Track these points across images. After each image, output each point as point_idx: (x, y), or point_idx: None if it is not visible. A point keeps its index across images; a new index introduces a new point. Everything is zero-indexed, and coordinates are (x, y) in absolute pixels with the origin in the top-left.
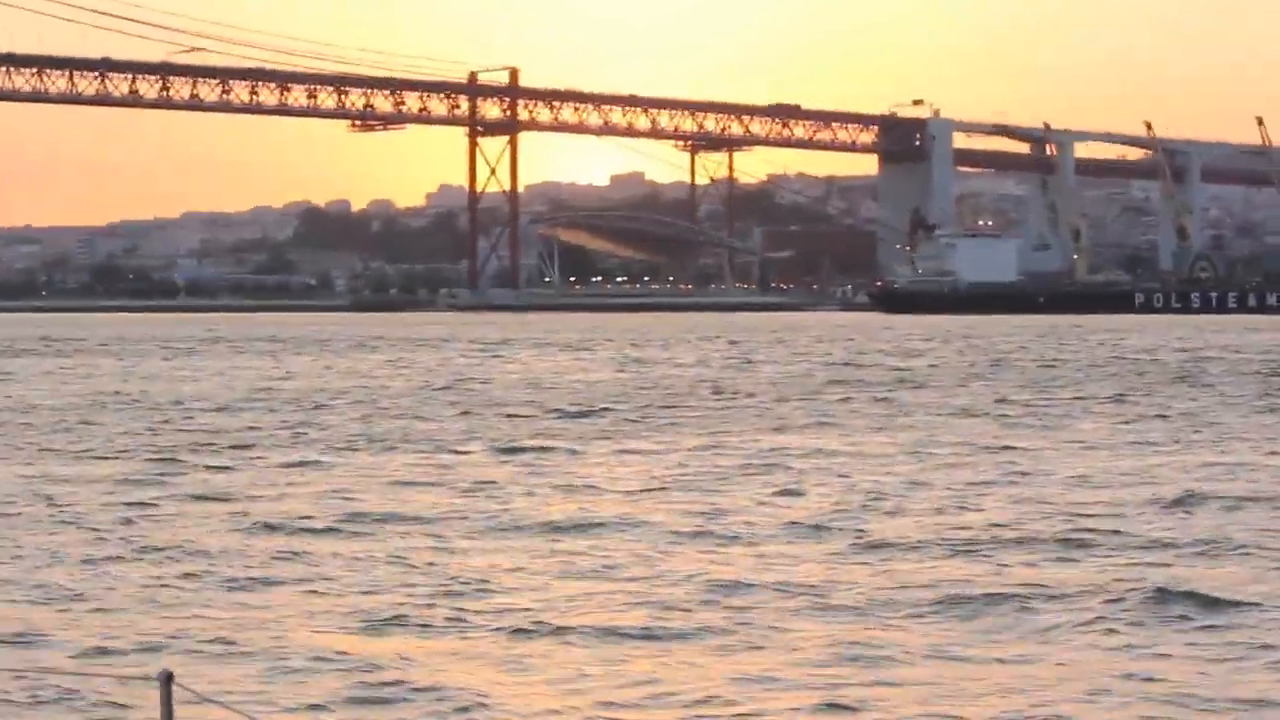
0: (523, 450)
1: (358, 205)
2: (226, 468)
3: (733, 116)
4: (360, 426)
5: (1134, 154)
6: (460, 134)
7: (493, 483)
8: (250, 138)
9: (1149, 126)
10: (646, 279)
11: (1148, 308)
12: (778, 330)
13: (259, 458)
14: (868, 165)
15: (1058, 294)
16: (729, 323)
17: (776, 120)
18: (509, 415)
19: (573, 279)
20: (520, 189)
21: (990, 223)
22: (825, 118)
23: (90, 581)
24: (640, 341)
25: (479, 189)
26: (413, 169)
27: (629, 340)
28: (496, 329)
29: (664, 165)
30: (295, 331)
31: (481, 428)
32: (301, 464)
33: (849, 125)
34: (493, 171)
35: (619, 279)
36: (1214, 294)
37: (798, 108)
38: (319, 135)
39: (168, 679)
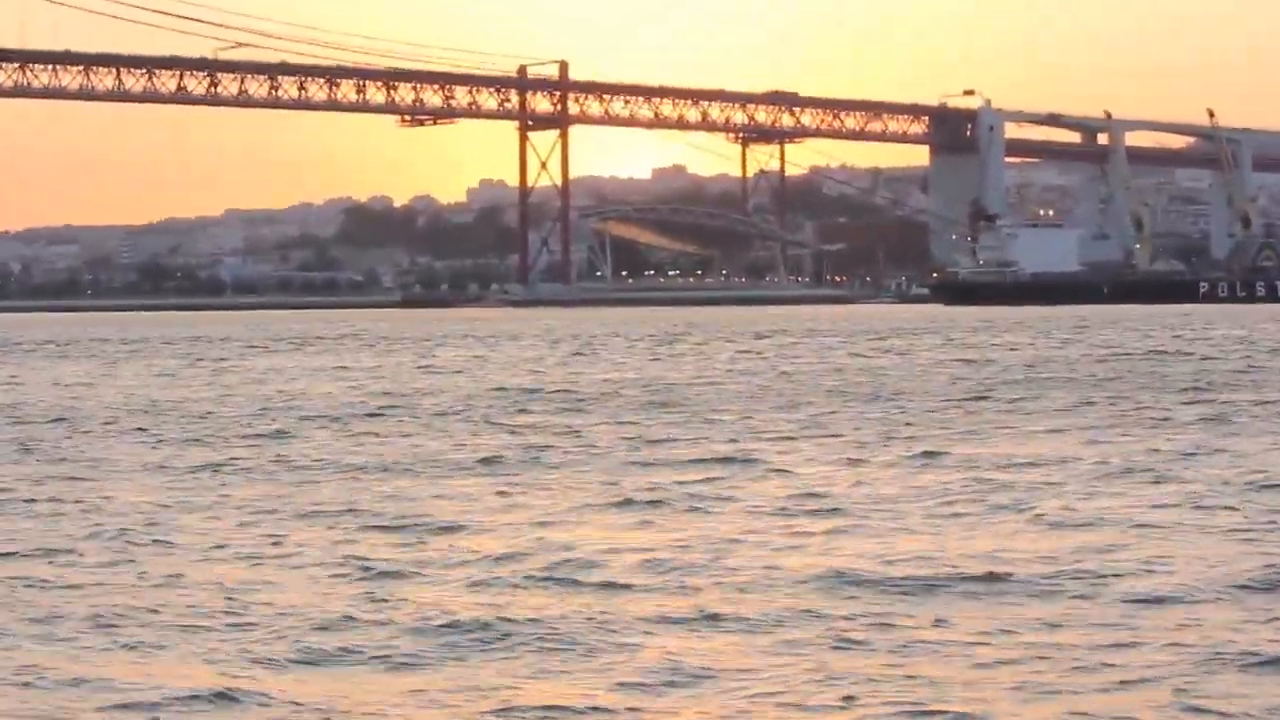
0: None
1: (399, 201)
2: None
3: (783, 108)
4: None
5: (1177, 142)
6: (502, 128)
7: None
8: (288, 135)
9: (1211, 114)
10: (699, 272)
11: (1212, 297)
12: (903, 326)
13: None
14: (913, 156)
15: (1121, 284)
16: (814, 315)
17: (827, 112)
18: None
19: (624, 273)
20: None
21: (1051, 212)
22: (876, 108)
23: None
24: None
25: (531, 184)
26: (454, 164)
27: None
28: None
29: (708, 158)
30: (391, 329)
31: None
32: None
33: (900, 116)
34: (543, 166)
35: (671, 272)
36: (1279, 282)
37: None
38: (359, 131)
39: None
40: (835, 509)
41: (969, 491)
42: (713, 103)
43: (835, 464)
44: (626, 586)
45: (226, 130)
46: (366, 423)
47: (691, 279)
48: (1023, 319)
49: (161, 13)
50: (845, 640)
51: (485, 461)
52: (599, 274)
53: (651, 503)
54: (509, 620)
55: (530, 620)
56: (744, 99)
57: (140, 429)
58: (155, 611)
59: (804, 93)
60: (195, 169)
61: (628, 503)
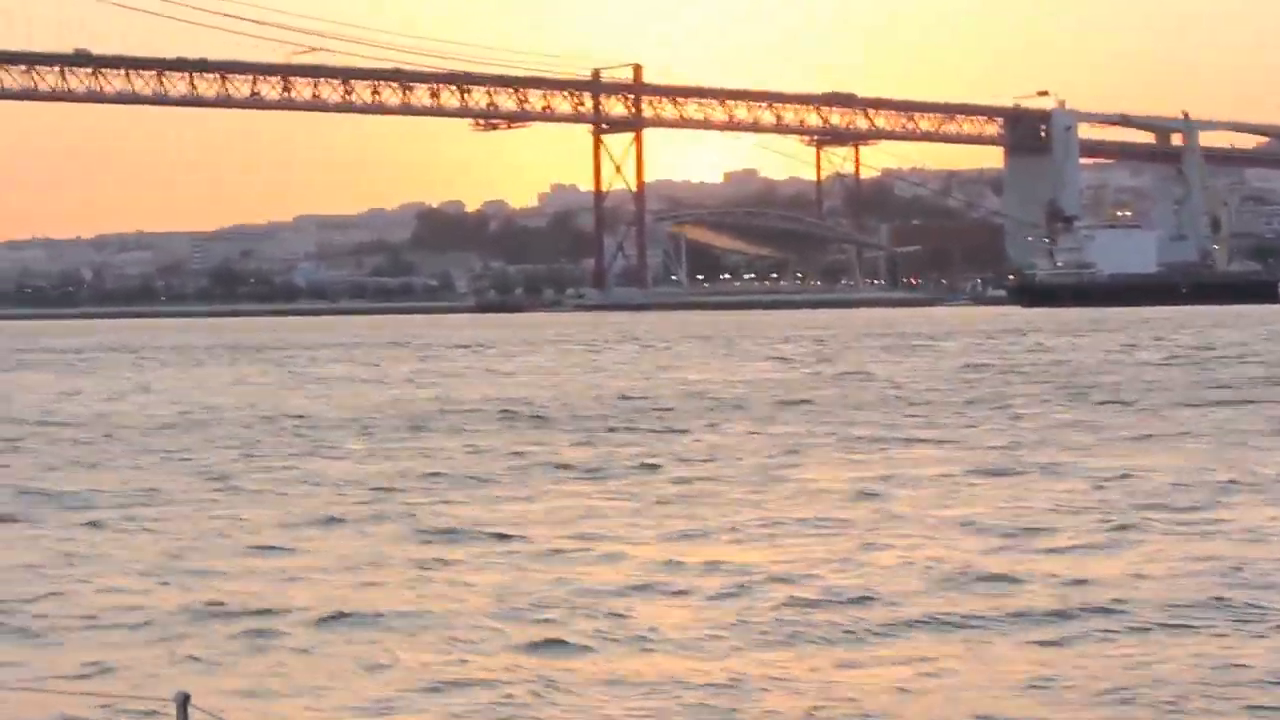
0: None
1: (471, 206)
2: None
3: (857, 110)
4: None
5: (1248, 142)
6: (572, 132)
7: None
8: (356, 139)
9: None
10: (774, 276)
11: None
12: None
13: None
14: (984, 158)
15: (1199, 284)
16: (890, 319)
17: (902, 114)
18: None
19: (700, 276)
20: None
21: (1129, 214)
22: (950, 110)
23: None
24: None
25: (605, 187)
26: (525, 169)
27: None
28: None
29: (779, 161)
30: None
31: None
32: None
33: (974, 117)
34: (618, 169)
35: (746, 276)
36: None
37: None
38: (429, 136)
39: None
40: None
41: None
42: (787, 105)
43: None
44: None
45: (296, 134)
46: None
47: (767, 282)
48: (1122, 320)
49: (236, 17)
50: None
51: None
52: (674, 278)
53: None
54: None
55: None
56: (819, 101)
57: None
58: None
59: (877, 94)
60: (265, 174)
61: None
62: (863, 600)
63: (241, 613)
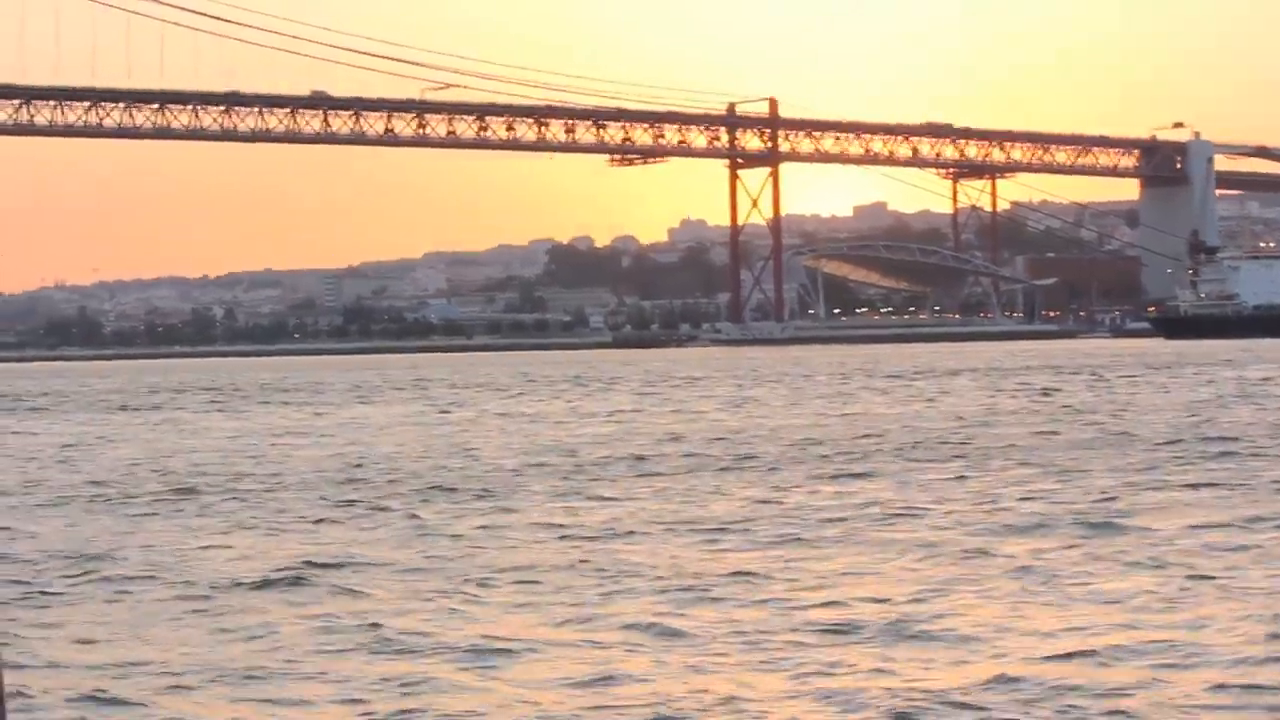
0: None
1: (600, 241)
2: None
3: (994, 143)
4: None
5: None
6: (701, 167)
7: None
8: (482, 175)
9: None
10: (913, 309)
11: None
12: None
13: None
14: (1114, 190)
15: None
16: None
17: (1038, 146)
18: None
19: (837, 310)
20: (771, 221)
21: (1273, 244)
22: (1086, 142)
23: None
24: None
25: (739, 221)
26: (652, 203)
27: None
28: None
29: (908, 194)
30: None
31: None
32: None
33: (1110, 150)
34: (754, 203)
35: (884, 309)
36: None
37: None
38: (555, 172)
39: None
40: None
41: None
42: (923, 138)
43: None
44: None
45: (422, 171)
46: None
47: (905, 316)
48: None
49: (369, 54)
50: None
51: None
52: (811, 312)
53: None
54: None
55: None
56: (955, 134)
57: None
58: None
59: (1010, 127)
60: (392, 211)
61: None
62: None
63: None
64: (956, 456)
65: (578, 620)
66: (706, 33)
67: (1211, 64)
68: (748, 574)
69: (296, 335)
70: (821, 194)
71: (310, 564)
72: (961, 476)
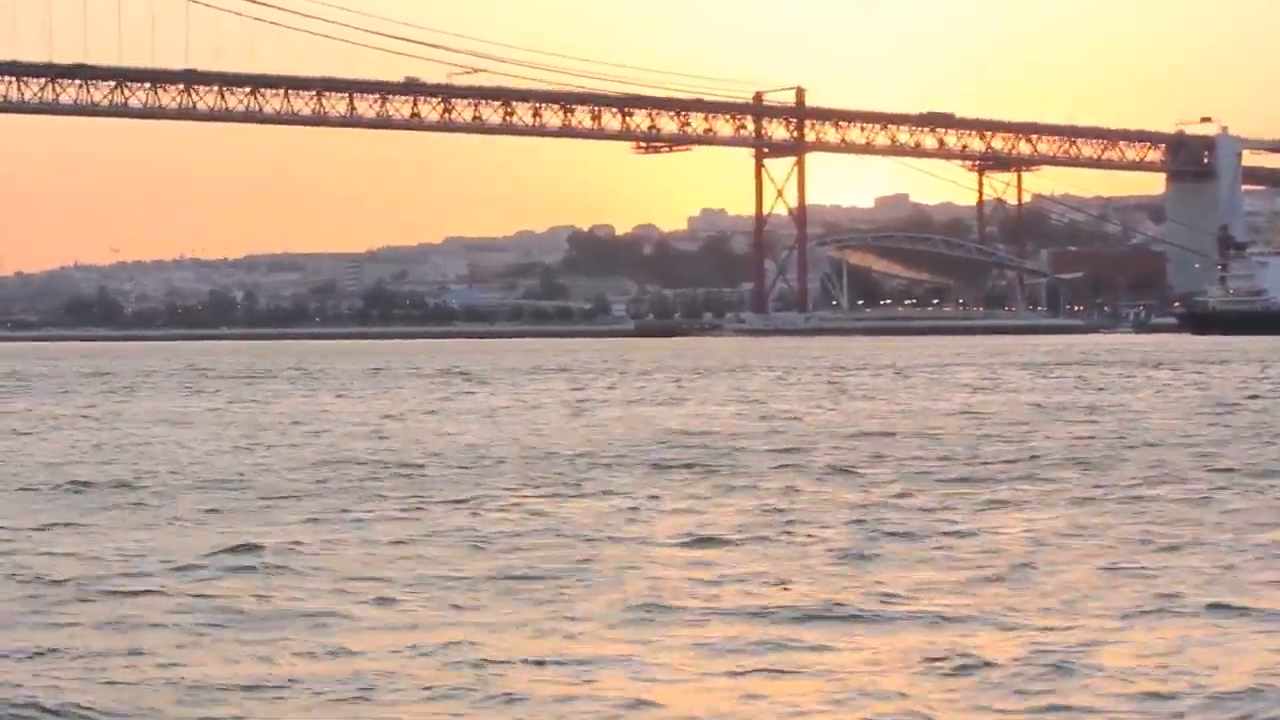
0: None
1: (621, 229)
2: None
3: (1020, 135)
4: None
5: None
6: (723, 156)
7: None
8: (502, 161)
9: None
10: (936, 301)
11: None
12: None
13: None
14: (1139, 184)
15: None
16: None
17: (1064, 139)
18: None
19: (860, 301)
20: (795, 211)
21: None
22: (1112, 136)
23: None
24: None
25: (765, 211)
26: (673, 192)
27: None
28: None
29: (931, 185)
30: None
31: None
32: None
33: (1136, 144)
34: (779, 193)
35: (907, 301)
36: None
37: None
38: (577, 158)
39: None
40: None
41: None
42: (949, 130)
43: None
44: None
45: (440, 156)
46: None
47: (929, 308)
48: None
49: (396, 38)
50: None
51: None
52: (835, 303)
53: None
54: None
55: None
56: (982, 126)
57: None
58: None
59: (1036, 120)
60: (412, 196)
61: None
62: None
63: None
64: None
65: None
66: (733, 21)
67: (1232, 61)
68: None
69: (318, 319)
70: (843, 185)
71: None
72: None
